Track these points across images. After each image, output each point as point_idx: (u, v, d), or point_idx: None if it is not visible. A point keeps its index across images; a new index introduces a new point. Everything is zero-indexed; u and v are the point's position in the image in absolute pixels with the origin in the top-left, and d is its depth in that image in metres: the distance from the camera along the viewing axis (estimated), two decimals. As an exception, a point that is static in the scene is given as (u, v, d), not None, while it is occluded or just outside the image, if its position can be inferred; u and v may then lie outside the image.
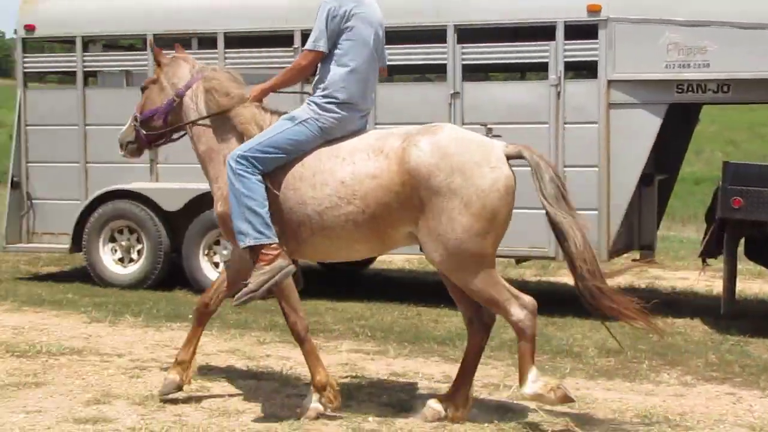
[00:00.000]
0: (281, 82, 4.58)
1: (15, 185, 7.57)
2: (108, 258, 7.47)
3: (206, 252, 7.31)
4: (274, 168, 4.28)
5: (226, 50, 7.28)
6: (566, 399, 4.01)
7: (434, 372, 5.04)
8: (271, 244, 4.22)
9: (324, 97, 4.37)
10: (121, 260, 7.52)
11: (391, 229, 4.23)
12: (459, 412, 4.15)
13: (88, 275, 7.48)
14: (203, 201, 6.99)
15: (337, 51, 4.38)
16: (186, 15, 7.41)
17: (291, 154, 4.32)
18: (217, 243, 7.32)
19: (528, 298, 4.14)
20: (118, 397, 4.38)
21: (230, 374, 4.91)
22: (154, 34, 7.05)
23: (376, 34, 4.46)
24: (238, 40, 7.49)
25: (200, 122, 4.58)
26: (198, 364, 4.68)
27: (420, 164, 4.06)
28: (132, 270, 7.45)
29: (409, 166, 4.08)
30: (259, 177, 4.26)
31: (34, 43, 8.07)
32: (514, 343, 4.60)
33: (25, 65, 7.62)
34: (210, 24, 7.32)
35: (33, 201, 7.56)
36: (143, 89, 4.86)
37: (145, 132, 4.73)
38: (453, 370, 4.46)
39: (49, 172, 7.52)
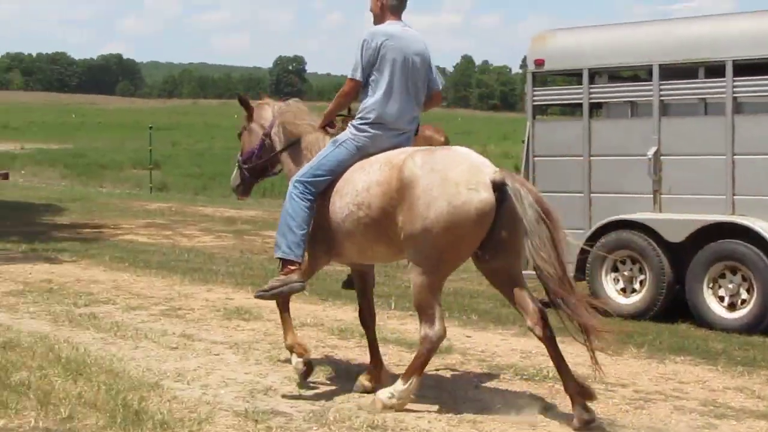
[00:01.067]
0: (332, 109, 5.92)
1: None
2: (610, 287, 8.35)
3: (710, 285, 7.86)
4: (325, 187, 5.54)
5: (735, 78, 7.87)
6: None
7: None
8: (294, 261, 5.55)
9: (359, 119, 5.62)
10: (623, 290, 8.34)
11: (392, 232, 5.27)
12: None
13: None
14: (708, 232, 7.85)
15: (371, 78, 5.63)
16: (693, 44, 8.16)
17: (336, 174, 5.56)
18: (723, 276, 7.83)
19: (440, 328, 5.18)
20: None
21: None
22: (660, 64, 8.17)
23: (409, 62, 5.62)
24: (747, 68, 7.97)
25: (283, 152, 5.99)
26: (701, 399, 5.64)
27: (410, 174, 5.14)
28: (634, 300, 8.26)
29: (403, 175, 5.17)
30: (308, 203, 5.53)
31: (541, 77, 9.25)
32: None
33: (535, 98, 8.84)
34: (718, 52, 7.98)
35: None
36: (239, 135, 6.34)
37: (247, 172, 6.20)
38: None
39: (554, 201, 8.55)
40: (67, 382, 5.64)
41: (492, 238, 5.15)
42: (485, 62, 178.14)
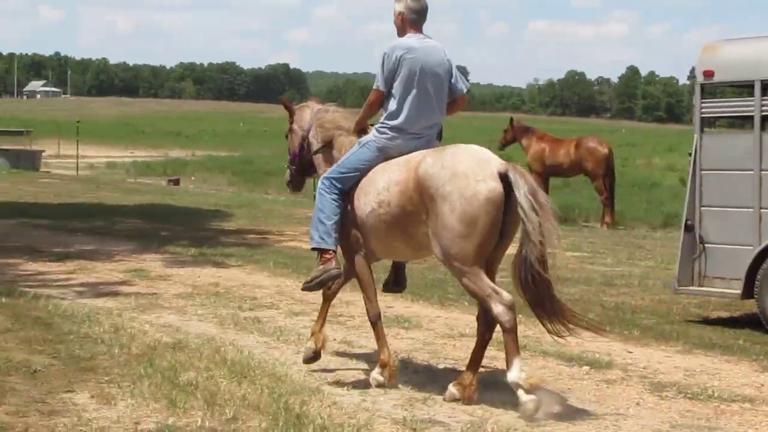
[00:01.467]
0: (362, 117, 6.49)
1: (688, 228, 8.46)
2: (780, 306, 8.01)
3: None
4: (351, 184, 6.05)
5: None
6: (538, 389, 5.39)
7: None
8: (328, 250, 6.06)
9: (381, 123, 6.17)
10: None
11: (413, 228, 5.77)
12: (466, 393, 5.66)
13: (759, 322, 8.03)
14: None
15: (393, 88, 6.15)
16: None
17: (360, 172, 6.08)
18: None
19: (507, 296, 5.46)
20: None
21: None
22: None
23: (427, 72, 6.11)
24: None
25: (317, 153, 6.61)
26: None
27: (424, 173, 5.61)
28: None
29: (418, 174, 5.64)
30: (334, 196, 6.08)
31: (710, 89, 8.97)
32: None
33: (703, 110, 8.56)
34: None
35: (705, 245, 8.38)
36: (286, 137, 6.99)
37: (294, 170, 6.89)
38: None
39: (722, 216, 8.31)
40: (232, 384, 5.83)
41: (506, 232, 5.66)
42: (651, 73, 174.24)
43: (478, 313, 5.85)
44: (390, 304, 8.88)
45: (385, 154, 6.09)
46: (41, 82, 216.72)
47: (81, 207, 17.61)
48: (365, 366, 6.57)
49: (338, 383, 6.09)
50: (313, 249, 6.22)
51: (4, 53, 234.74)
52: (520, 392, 5.32)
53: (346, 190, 6.10)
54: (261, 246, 12.70)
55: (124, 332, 7.20)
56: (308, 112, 6.82)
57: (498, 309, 5.44)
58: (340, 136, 6.54)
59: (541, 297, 5.56)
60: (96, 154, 45.66)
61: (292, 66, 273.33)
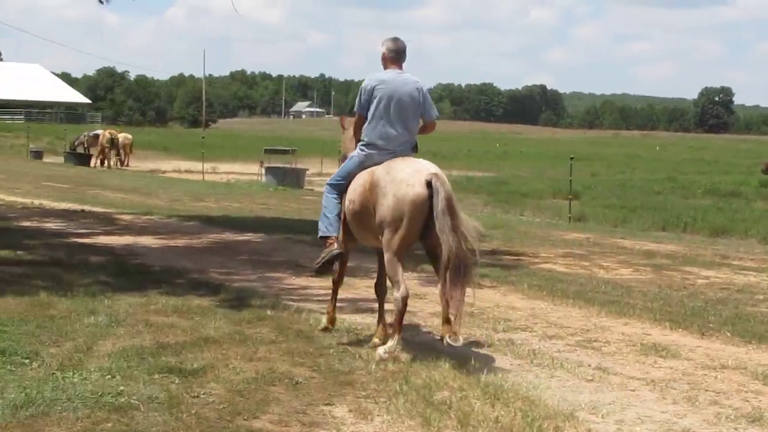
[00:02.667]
0: (354, 135, 7.97)
1: None
2: None
3: None
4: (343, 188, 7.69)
5: None
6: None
7: None
8: (330, 237, 7.68)
9: (361, 142, 7.75)
10: None
11: (369, 220, 7.31)
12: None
13: None
14: None
15: (369, 114, 7.65)
16: None
17: (348, 179, 7.68)
18: None
19: (405, 290, 7.11)
20: None
21: None
22: None
23: (396, 100, 7.57)
24: None
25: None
26: None
27: (376, 178, 7.23)
28: None
29: (372, 179, 7.27)
30: (334, 196, 7.74)
31: None
32: None
33: None
34: None
35: None
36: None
37: None
38: None
39: None
40: (486, 406, 5.83)
41: (429, 224, 6.99)
42: None
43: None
44: (648, 331, 8.63)
45: (364, 166, 7.61)
46: (306, 103, 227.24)
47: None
48: (621, 394, 6.40)
49: (593, 410, 5.96)
50: (320, 237, 7.83)
51: (274, 75, 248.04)
52: (380, 351, 7.03)
53: (341, 192, 7.74)
54: (516, 267, 12.65)
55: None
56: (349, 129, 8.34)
57: (396, 295, 7.10)
58: (350, 151, 8.10)
59: (455, 270, 6.95)
60: (357, 174, 47.17)
61: (549, 87, 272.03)
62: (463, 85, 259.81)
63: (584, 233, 19.07)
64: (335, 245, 7.65)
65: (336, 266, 7.88)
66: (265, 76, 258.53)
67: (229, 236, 15.97)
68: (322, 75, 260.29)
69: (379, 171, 7.26)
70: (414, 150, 7.84)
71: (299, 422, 5.50)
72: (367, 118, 7.69)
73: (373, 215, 7.21)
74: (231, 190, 32.73)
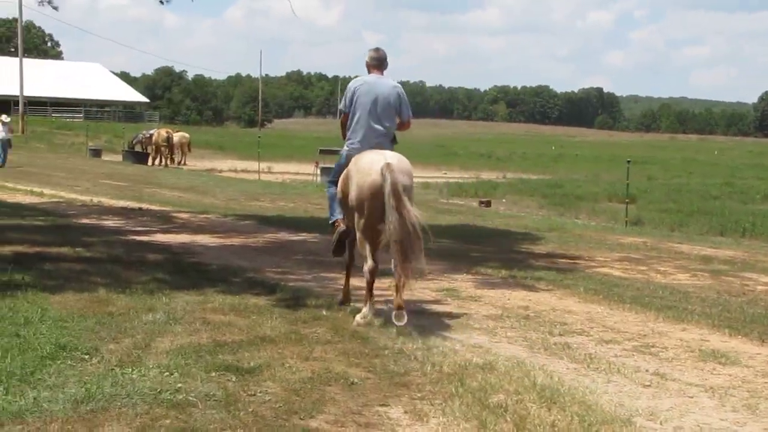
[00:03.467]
0: (342, 132, 9.15)
1: None
2: None
3: None
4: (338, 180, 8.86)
5: None
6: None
7: None
8: (336, 221, 8.98)
9: (347, 138, 8.91)
10: None
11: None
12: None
13: None
14: None
15: (350, 112, 8.84)
16: None
17: (340, 172, 8.81)
18: None
19: (372, 264, 8.26)
20: None
21: None
22: None
23: (374, 100, 8.70)
24: None
25: None
26: None
27: (349, 168, 8.49)
28: None
29: (348, 169, 8.47)
30: (333, 188, 9.00)
31: None
32: None
33: None
34: None
35: None
36: None
37: None
38: None
39: None
40: (542, 409, 5.79)
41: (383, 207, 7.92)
42: None
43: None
44: (706, 337, 8.51)
45: (350, 160, 8.63)
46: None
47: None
48: (679, 400, 6.32)
49: (651, 416, 5.90)
50: (330, 224, 9.19)
51: (329, 76, 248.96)
52: (357, 318, 8.27)
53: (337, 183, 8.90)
54: (571, 271, 12.55)
55: (436, 350, 7.36)
56: None
57: (364, 268, 8.32)
58: None
59: (403, 246, 7.79)
60: (411, 175, 47.22)
61: (605, 90, 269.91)
62: (518, 87, 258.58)
63: (641, 237, 18.86)
64: (342, 225, 8.91)
65: (346, 248, 9.13)
66: (320, 77, 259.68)
67: (285, 236, 16.06)
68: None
69: (352, 163, 8.51)
70: (393, 142, 9.00)
71: (355, 423, 5.51)
72: (350, 116, 8.91)
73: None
74: (286, 190, 32.90)
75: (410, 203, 7.94)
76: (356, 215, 8.33)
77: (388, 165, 7.98)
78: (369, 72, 9.05)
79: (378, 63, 9.05)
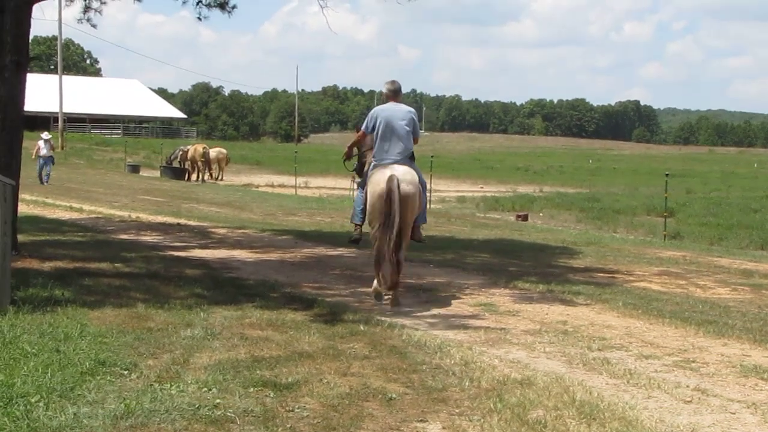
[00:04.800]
0: (350, 147, 11.83)
1: None
2: None
3: None
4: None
5: None
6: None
7: None
8: (357, 224, 11.09)
9: (374, 154, 10.71)
10: None
11: None
12: None
13: None
14: None
15: (374, 135, 10.59)
16: None
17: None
18: None
19: (376, 247, 10.16)
20: None
21: None
22: None
23: (393, 123, 10.47)
24: None
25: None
26: None
27: (368, 179, 10.55)
28: None
29: (368, 180, 10.56)
30: (363, 195, 10.79)
31: None
32: None
33: None
34: None
35: None
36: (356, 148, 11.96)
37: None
38: None
39: None
40: (581, 425, 5.75)
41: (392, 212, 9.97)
42: None
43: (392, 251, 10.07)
44: (747, 352, 8.41)
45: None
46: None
47: (434, 240, 18.22)
48: (721, 416, 6.25)
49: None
50: (353, 222, 11.34)
51: (365, 90, 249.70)
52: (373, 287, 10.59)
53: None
54: (610, 285, 12.46)
55: (474, 365, 7.33)
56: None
57: (374, 253, 10.23)
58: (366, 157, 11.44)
59: (399, 238, 10.02)
60: (447, 188, 47.26)
61: (642, 103, 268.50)
62: (555, 101, 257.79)
63: (680, 251, 18.71)
64: (359, 229, 11.15)
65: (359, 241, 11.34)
66: (356, 92, 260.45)
67: (322, 251, 16.10)
68: (413, 90, 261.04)
69: (369, 176, 10.52)
70: (411, 158, 10.67)
71: (393, 438, 5.50)
72: (366, 135, 10.96)
73: None
74: (323, 204, 33.00)
75: (408, 207, 10.10)
76: (369, 215, 10.45)
77: (391, 177, 10.02)
78: (387, 100, 10.83)
79: (394, 93, 10.83)
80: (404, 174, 10.14)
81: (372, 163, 10.62)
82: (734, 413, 6.37)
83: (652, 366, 7.74)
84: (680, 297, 11.71)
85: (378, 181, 10.15)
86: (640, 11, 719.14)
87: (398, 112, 10.58)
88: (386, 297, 10.41)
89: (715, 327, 9.51)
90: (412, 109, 10.89)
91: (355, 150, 11.78)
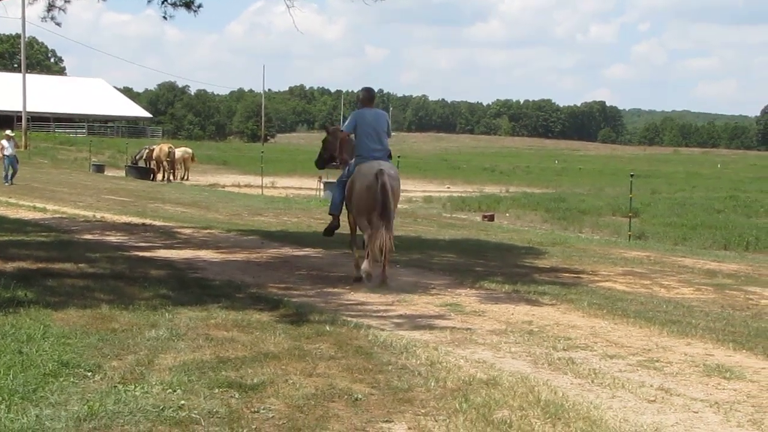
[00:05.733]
0: (341, 145, 12.81)
1: None
2: None
3: None
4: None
5: None
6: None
7: None
8: (335, 214, 12.61)
9: (355, 152, 12.25)
10: None
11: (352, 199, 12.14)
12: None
13: None
14: None
15: (355, 136, 12.18)
16: None
17: (348, 177, 12.21)
18: None
19: (370, 231, 11.57)
20: None
21: None
22: None
23: (369, 125, 12.01)
24: None
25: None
26: None
27: (355, 173, 11.96)
28: None
29: (354, 173, 11.99)
30: (340, 188, 12.37)
31: None
32: None
33: None
34: None
35: None
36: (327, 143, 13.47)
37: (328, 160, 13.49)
38: None
39: None
40: (546, 425, 5.78)
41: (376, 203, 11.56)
42: None
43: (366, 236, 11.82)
44: (711, 352, 8.49)
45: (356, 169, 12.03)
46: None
47: (400, 240, 18.23)
48: (684, 415, 6.30)
49: (656, 431, 5.88)
50: (330, 213, 12.77)
51: (332, 90, 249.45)
52: (363, 266, 11.83)
53: (343, 186, 12.29)
54: (575, 285, 12.54)
55: (439, 366, 7.34)
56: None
57: (365, 235, 11.78)
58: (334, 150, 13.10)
59: (386, 222, 11.48)
60: (414, 188, 47.30)
61: (608, 103, 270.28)
62: (521, 101, 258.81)
63: (644, 251, 18.86)
64: (336, 221, 12.62)
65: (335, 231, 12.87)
66: (323, 91, 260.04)
67: (288, 251, 16.04)
68: (381, 90, 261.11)
69: (356, 170, 11.95)
70: (389, 156, 12.35)
71: (358, 439, 5.50)
72: (348, 135, 12.40)
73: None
74: (289, 204, 32.91)
75: (394, 197, 11.66)
76: (356, 204, 11.90)
77: (381, 170, 11.56)
78: (363, 105, 12.37)
79: (369, 99, 12.46)
80: (389, 168, 11.76)
81: (354, 162, 12.14)
82: (697, 412, 6.42)
83: (616, 366, 7.79)
84: (645, 297, 11.81)
85: (367, 174, 11.63)
86: (605, 13, 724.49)
87: (377, 116, 12.20)
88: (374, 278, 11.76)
89: (678, 327, 9.59)
90: (385, 112, 12.64)
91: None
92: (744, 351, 8.58)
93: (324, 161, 13.33)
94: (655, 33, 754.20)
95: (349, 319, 9.23)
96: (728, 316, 10.56)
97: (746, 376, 7.53)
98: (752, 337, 9.18)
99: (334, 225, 12.65)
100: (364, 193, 11.64)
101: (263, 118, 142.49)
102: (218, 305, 9.63)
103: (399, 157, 38.71)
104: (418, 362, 7.44)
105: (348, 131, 12.31)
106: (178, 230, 19.68)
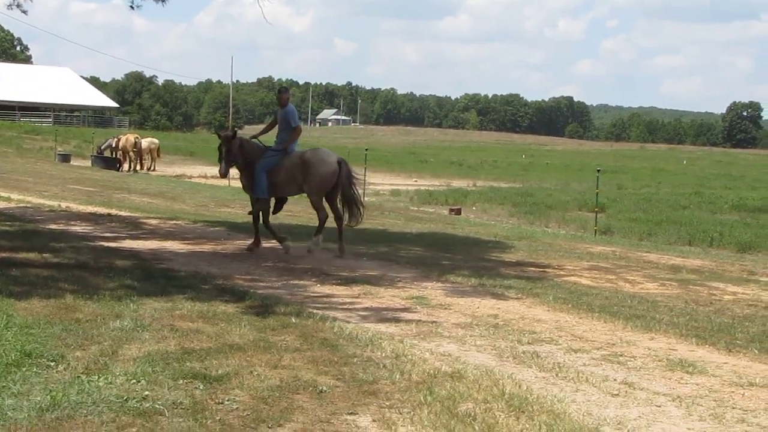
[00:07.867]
0: (262, 132, 15.60)
1: None
2: None
3: None
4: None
5: None
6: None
7: None
8: (260, 197, 14.44)
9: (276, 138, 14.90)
10: None
11: (298, 182, 14.33)
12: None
13: None
14: None
15: (279, 125, 14.75)
16: None
17: (275, 159, 14.42)
18: None
19: (324, 213, 14.39)
20: None
21: None
22: None
23: (282, 120, 14.55)
24: None
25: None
26: None
27: (306, 157, 14.21)
28: None
29: (303, 159, 14.20)
30: (265, 174, 14.23)
31: None
32: None
33: None
34: None
35: None
36: (223, 148, 14.79)
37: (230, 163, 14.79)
38: None
39: None
40: (510, 418, 5.81)
41: (336, 185, 14.12)
42: None
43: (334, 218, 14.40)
44: (674, 346, 8.56)
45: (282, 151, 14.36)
46: (333, 111, 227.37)
47: (367, 233, 18.24)
48: (647, 409, 6.35)
49: (618, 425, 5.92)
50: (257, 198, 14.37)
51: (300, 82, 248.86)
52: (310, 244, 14.19)
53: (268, 171, 14.19)
54: (540, 279, 12.60)
55: (405, 358, 7.36)
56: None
57: (319, 216, 14.23)
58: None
59: (350, 209, 14.34)
60: (381, 182, 47.28)
61: (575, 99, 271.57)
62: (489, 96, 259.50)
63: (610, 246, 18.98)
64: (262, 203, 14.35)
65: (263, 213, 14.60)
66: (291, 83, 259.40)
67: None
68: (349, 83, 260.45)
69: (308, 154, 14.28)
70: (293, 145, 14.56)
71: (323, 431, 5.49)
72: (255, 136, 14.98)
73: (299, 179, 14.17)
74: (256, 196, 32.72)
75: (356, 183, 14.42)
76: (317, 187, 14.12)
77: (343, 160, 14.27)
78: (282, 104, 14.62)
79: (284, 99, 14.64)
80: (337, 156, 14.53)
81: (275, 144, 14.49)
82: (660, 406, 6.47)
83: (580, 359, 7.84)
84: (609, 292, 11.88)
85: (328, 161, 14.08)
86: (574, 9, 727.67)
87: (285, 111, 14.54)
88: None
89: (642, 321, 9.67)
90: (292, 107, 14.88)
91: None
92: (707, 346, 8.67)
93: (227, 166, 14.22)
94: (624, 30, 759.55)
95: (314, 311, 9.22)
96: (692, 311, 10.65)
97: (708, 371, 7.61)
98: (715, 332, 9.27)
99: (263, 203, 14.54)
100: (328, 177, 13.99)
101: (231, 109, 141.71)
102: (184, 296, 9.60)
103: (366, 150, 38.77)
104: (384, 355, 7.45)
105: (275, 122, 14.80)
106: (144, 221, 19.56)
